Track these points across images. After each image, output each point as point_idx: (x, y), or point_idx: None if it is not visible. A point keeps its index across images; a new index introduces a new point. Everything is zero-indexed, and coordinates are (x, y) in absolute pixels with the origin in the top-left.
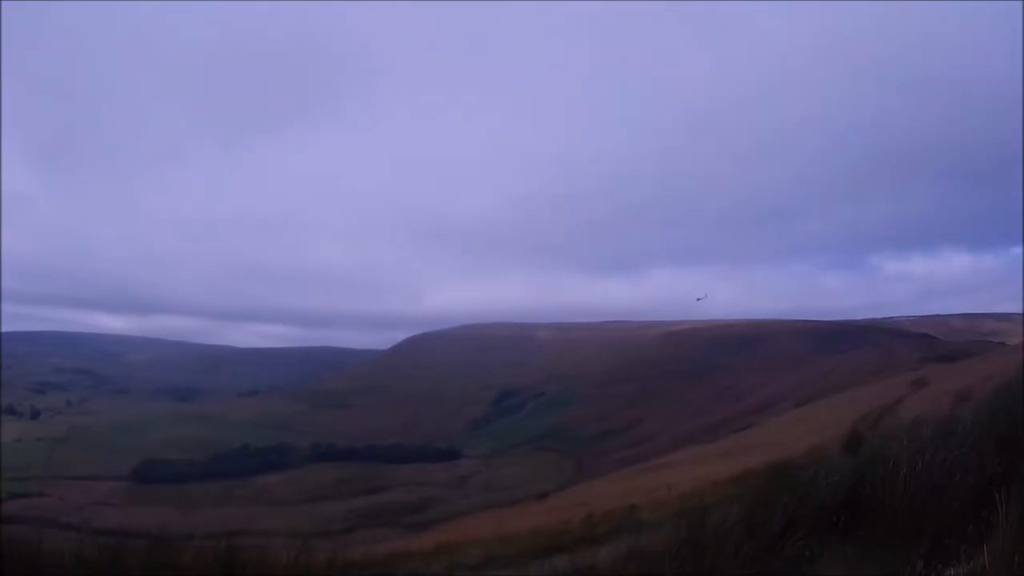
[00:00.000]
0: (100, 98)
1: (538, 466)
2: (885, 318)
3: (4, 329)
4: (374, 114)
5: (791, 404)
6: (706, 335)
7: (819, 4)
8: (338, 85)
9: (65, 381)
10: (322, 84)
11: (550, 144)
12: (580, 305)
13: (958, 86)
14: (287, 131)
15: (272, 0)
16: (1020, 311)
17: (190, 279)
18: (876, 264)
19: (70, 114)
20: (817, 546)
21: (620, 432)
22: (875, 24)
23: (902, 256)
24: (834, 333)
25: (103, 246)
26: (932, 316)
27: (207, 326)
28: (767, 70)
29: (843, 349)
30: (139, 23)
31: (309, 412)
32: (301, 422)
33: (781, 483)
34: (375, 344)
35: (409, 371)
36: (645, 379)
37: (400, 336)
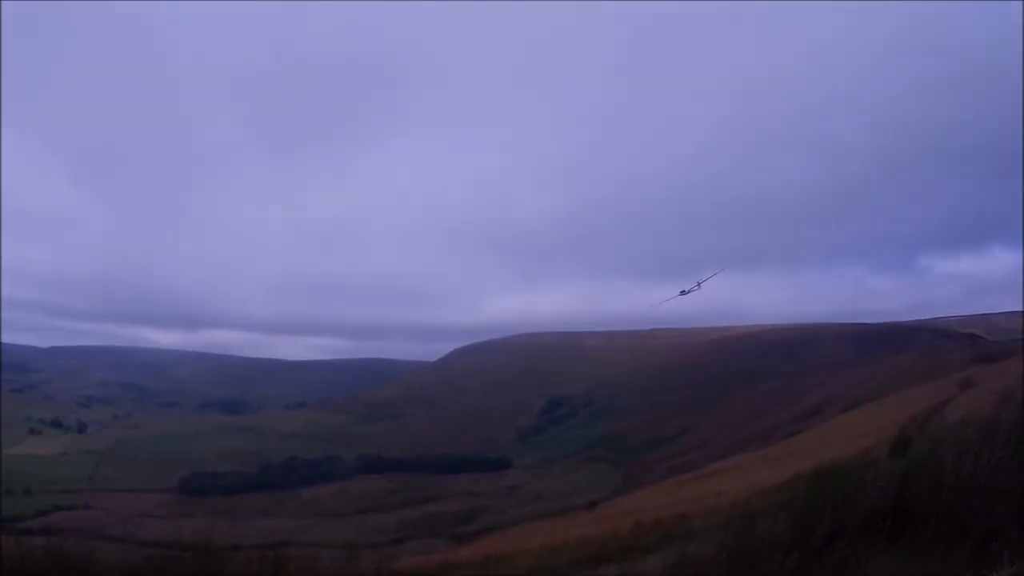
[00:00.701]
0: (148, 114)
1: (588, 475)
2: (933, 318)
3: (51, 344)
4: (425, 126)
5: (840, 408)
6: (756, 340)
7: (866, 4)
8: (389, 97)
9: (111, 395)
10: (373, 96)
11: (600, 151)
12: (630, 312)
13: (1004, 83)
14: (337, 144)
15: (321, 10)
16: None
17: (239, 293)
18: (926, 264)
19: (117, 131)
20: (863, 552)
21: (670, 440)
22: (921, 22)
23: (951, 255)
24: (882, 335)
25: (151, 262)
26: (978, 315)
27: (256, 339)
28: (815, 70)
29: (891, 351)
30: (187, 40)
31: (358, 423)
32: (349, 433)
33: (829, 489)
34: (424, 355)
35: (458, 381)
36: (694, 386)
37: (450, 347)
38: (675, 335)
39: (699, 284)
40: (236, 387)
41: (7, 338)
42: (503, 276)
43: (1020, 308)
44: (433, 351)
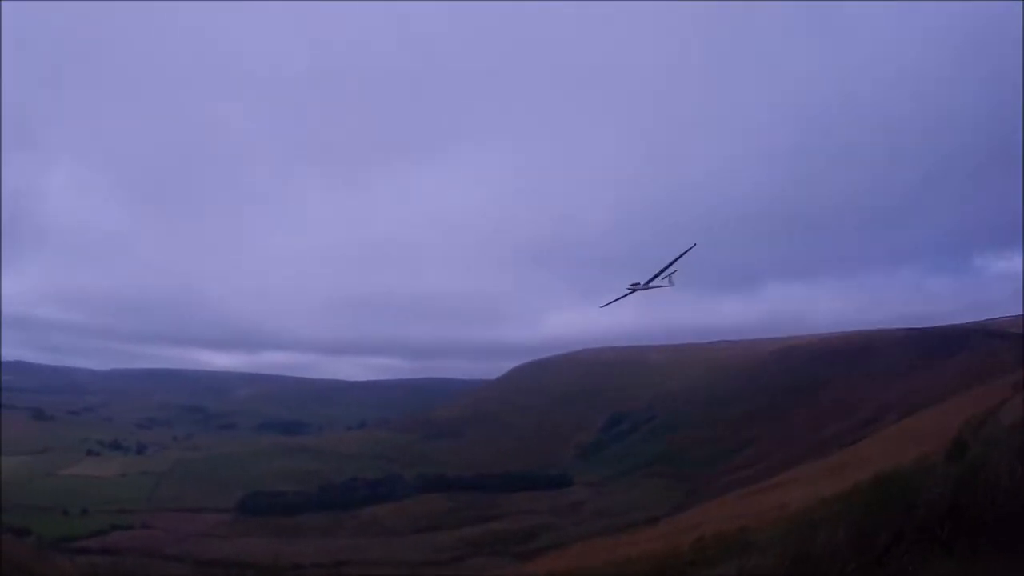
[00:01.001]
0: (203, 133)
1: (649, 490)
2: (988, 319)
3: (110, 367)
4: (480, 140)
5: (898, 414)
6: (814, 349)
7: (924, 4)
8: (445, 112)
9: (171, 417)
10: (428, 111)
11: (656, 161)
12: (692, 325)
13: None
14: (393, 160)
15: (374, 23)
16: None
17: (299, 314)
18: (980, 264)
19: (173, 150)
20: (921, 560)
21: (731, 453)
22: (972, 20)
23: (1005, 255)
24: (938, 338)
25: (211, 284)
26: None
27: (317, 361)
28: (871, 73)
29: (947, 355)
30: (242, 58)
31: (419, 443)
32: (411, 453)
33: (887, 497)
34: (486, 374)
35: (519, 399)
36: (755, 398)
37: (510, 364)
38: (737, 347)
39: (669, 277)
40: (296, 408)
41: (65, 361)
42: (562, 291)
43: None
44: (494, 369)
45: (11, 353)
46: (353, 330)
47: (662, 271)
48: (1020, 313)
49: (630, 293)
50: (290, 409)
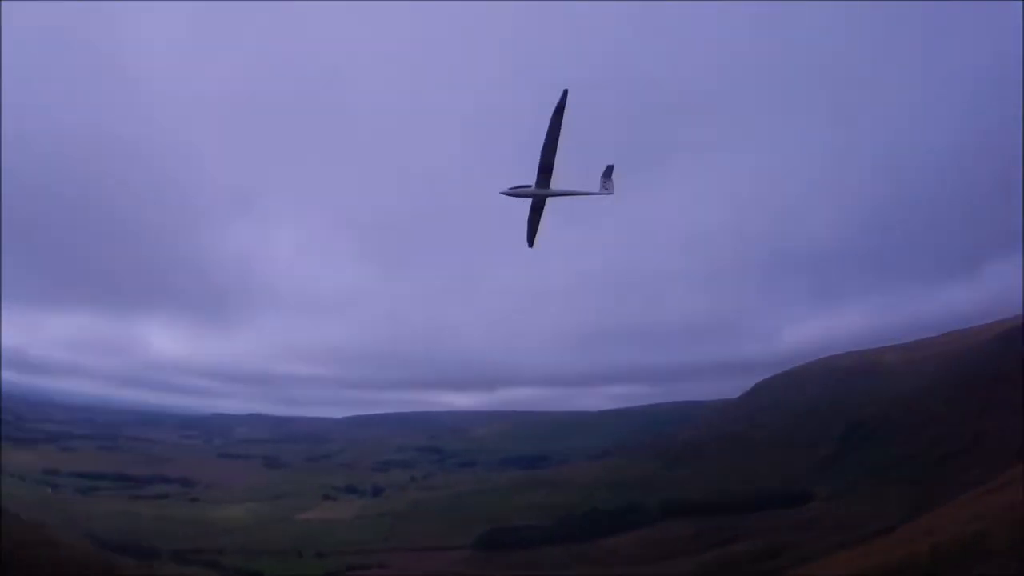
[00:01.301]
0: (427, 174)
1: (885, 498)
2: None
3: (346, 414)
4: (701, 155)
5: None
6: None
7: None
8: (666, 132)
9: (408, 459)
10: (649, 134)
11: (875, 154)
12: (921, 319)
13: None
14: (624, 185)
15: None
16: None
17: (537, 350)
18: None
19: (397, 200)
20: None
21: (963, 452)
22: None
23: None
24: None
25: (446, 326)
26: None
27: (557, 394)
28: None
29: None
30: (460, 92)
31: (660, 469)
32: (652, 480)
33: None
34: (727, 393)
35: (760, 416)
36: (983, 387)
37: (752, 381)
38: (964, 335)
39: (606, 181)
40: (537, 442)
41: (302, 412)
42: (799, 301)
43: None
44: (736, 387)
45: (247, 406)
46: (592, 361)
47: (548, 151)
48: None
49: (538, 204)
50: (531, 444)
